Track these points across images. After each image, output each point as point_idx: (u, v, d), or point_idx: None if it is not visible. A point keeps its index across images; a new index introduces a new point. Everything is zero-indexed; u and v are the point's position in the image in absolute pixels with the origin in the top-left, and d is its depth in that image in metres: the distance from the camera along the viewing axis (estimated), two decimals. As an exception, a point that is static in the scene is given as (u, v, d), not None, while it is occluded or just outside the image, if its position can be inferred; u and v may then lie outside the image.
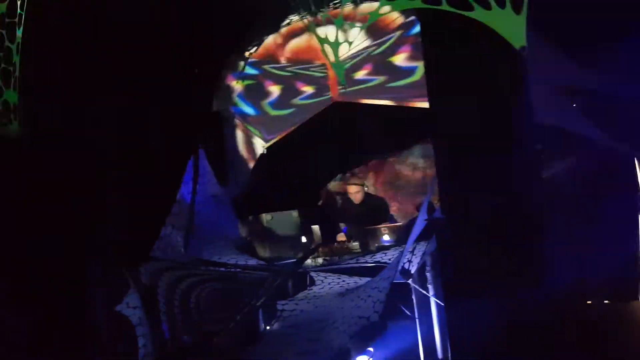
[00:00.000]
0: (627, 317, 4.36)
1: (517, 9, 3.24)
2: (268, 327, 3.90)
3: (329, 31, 3.62)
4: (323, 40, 3.43)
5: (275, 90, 5.59)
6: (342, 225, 5.37)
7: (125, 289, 3.91)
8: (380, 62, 5.33)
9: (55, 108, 4.19)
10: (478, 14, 3.23)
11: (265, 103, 5.65)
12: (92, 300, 3.94)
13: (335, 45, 3.30)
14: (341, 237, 5.22)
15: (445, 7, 3.22)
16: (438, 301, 4.20)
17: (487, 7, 3.23)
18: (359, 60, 5.16)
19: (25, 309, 3.69)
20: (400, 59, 5.18)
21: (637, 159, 4.99)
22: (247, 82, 5.59)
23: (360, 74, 5.39)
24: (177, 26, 5.07)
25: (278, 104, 5.62)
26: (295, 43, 5.22)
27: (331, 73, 5.25)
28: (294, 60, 5.32)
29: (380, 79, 5.33)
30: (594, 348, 3.35)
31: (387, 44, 5.15)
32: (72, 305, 3.89)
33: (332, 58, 3.27)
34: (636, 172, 4.94)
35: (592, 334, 3.49)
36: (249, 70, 5.54)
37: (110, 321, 3.88)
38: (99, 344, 3.83)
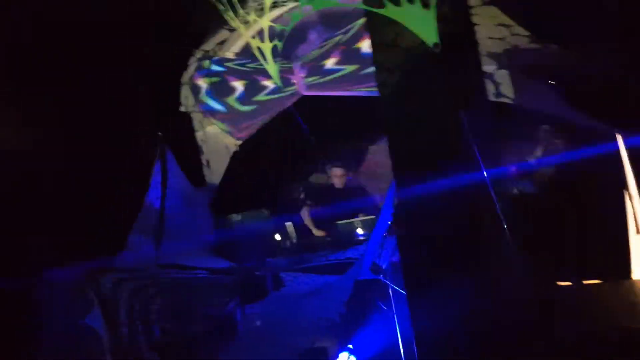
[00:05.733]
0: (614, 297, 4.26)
1: (425, 4, 3.09)
2: (233, 332, 3.83)
3: (258, 32, 3.51)
4: (253, 42, 3.32)
5: (239, 86, 5.48)
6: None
7: (89, 301, 3.86)
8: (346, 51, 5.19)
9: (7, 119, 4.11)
10: (389, 11, 3.09)
11: (232, 99, 5.54)
12: (50, 311, 3.89)
13: (266, 47, 3.19)
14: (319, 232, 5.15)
15: (359, 5, 3.09)
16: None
17: (397, 3, 3.09)
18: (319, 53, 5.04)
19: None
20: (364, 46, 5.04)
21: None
22: (212, 78, 5.48)
23: (328, 64, 5.26)
24: (138, 25, 4.94)
25: (244, 99, 5.51)
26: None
27: (295, 67, 5.12)
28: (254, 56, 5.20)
29: (347, 68, 5.20)
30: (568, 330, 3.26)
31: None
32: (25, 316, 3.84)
33: (265, 59, 3.16)
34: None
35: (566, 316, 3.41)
36: (214, 67, 5.42)
37: (75, 334, 3.84)
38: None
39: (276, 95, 5.23)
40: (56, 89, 4.38)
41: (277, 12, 4.00)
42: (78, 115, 4.51)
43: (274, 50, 3.26)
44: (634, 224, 4.91)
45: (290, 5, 3.38)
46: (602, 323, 3.53)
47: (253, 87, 5.30)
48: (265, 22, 3.19)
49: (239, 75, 5.31)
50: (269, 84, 5.20)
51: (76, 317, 3.77)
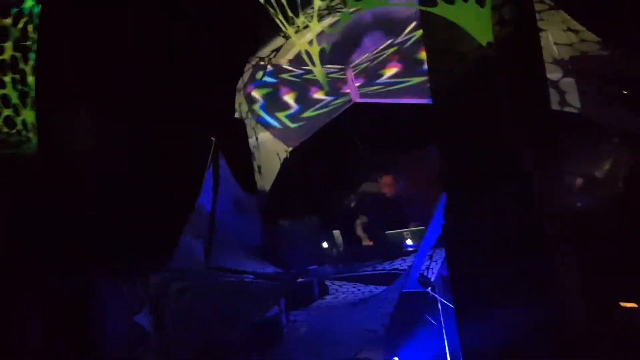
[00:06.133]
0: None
1: (481, 2, 2.96)
2: (276, 339, 3.80)
3: (307, 36, 3.50)
4: (301, 45, 3.33)
5: (291, 100, 5.53)
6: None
7: (141, 299, 3.97)
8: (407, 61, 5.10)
9: (72, 124, 4.34)
10: (441, 9, 2.98)
11: (283, 115, 5.61)
12: (106, 310, 4.04)
13: (314, 50, 3.18)
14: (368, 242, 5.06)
15: (410, 4, 3.00)
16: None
17: (451, 1, 2.97)
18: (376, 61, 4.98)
19: (36, 324, 3.83)
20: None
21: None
22: (265, 90, 5.56)
23: (387, 74, 5.19)
24: (193, 35, 5.10)
25: (295, 117, 5.56)
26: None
27: (349, 74, 5.09)
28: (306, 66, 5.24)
29: (411, 80, 5.10)
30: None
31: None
32: (80, 315, 4.00)
33: (313, 63, 3.16)
34: None
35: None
36: (268, 79, 5.50)
37: (128, 330, 3.96)
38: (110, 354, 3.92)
39: (327, 109, 5.24)
40: (116, 90, 4.58)
41: (332, 19, 3.99)
42: (135, 117, 4.69)
43: (322, 54, 3.26)
44: None
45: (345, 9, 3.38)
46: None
47: (305, 101, 5.35)
48: (314, 25, 3.19)
49: (291, 87, 5.36)
50: (320, 96, 5.22)
51: (127, 316, 3.88)
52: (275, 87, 5.50)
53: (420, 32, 4.70)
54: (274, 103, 5.58)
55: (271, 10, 3.31)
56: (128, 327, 3.79)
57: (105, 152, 4.44)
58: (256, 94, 5.57)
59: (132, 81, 4.70)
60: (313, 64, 3.26)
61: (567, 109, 4.86)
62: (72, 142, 4.33)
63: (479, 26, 2.99)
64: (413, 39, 4.91)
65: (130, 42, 4.70)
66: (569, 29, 4.68)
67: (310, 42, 3.27)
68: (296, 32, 3.40)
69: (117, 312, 3.94)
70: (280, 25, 3.33)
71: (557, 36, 4.70)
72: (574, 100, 4.87)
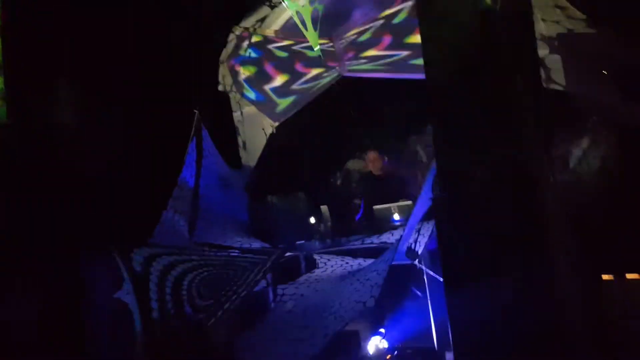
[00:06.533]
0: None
1: None
2: (264, 313, 3.77)
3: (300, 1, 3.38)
4: (292, 5, 3.18)
5: (278, 75, 5.41)
6: (359, 202, 5.20)
7: (122, 276, 3.86)
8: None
9: (43, 95, 4.14)
10: None
11: (269, 89, 5.49)
12: (89, 288, 3.92)
13: (306, 10, 3.05)
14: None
15: None
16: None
17: None
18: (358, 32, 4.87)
19: (19, 301, 3.70)
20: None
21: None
22: (250, 65, 5.42)
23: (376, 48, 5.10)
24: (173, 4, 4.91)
25: (281, 90, 5.44)
26: (291, 15, 4.97)
27: (337, 47, 4.99)
28: (294, 36, 5.09)
29: (399, 54, 5.01)
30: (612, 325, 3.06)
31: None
32: (69, 295, 3.88)
33: (305, 26, 3.03)
34: None
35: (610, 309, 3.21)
36: (252, 54, 5.35)
37: (109, 308, 3.86)
38: (98, 333, 3.82)
39: (315, 83, 5.13)
40: (91, 61, 4.38)
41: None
42: (112, 89, 4.51)
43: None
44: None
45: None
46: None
47: (291, 75, 5.23)
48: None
49: (277, 61, 5.23)
50: (307, 69, 5.10)
51: (110, 292, 3.78)
52: (261, 61, 5.37)
53: (410, 4, 4.63)
54: (259, 77, 5.45)
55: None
56: (112, 304, 3.69)
57: (82, 125, 4.26)
58: (241, 69, 5.44)
59: (108, 51, 4.51)
60: (305, 26, 3.12)
61: (552, 86, 4.87)
62: (46, 114, 4.13)
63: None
64: (403, 12, 4.83)
65: (107, 11, 4.49)
66: (557, 6, 4.67)
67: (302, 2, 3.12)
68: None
69: (101, 291, 3.84)
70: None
71: (544, 13, 4.69)
72: (559, 77, 4.89)
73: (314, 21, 3.08)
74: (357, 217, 5.16)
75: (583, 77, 4.86)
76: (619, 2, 4.21)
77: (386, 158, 5.44)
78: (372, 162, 5.40)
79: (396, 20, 4.88)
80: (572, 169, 5.44)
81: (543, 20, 4.73)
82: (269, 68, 5.42)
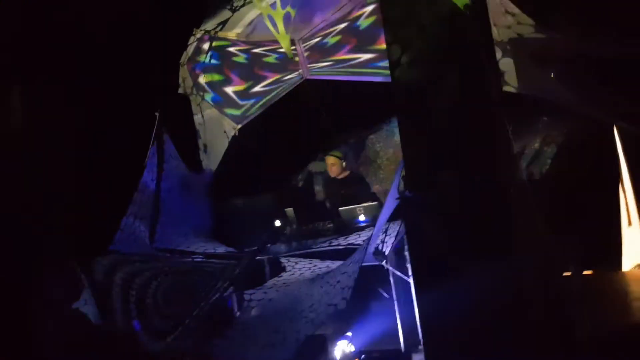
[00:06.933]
0: (607, 287, 4.26)
1: None
2: (234, 319, 3.71)
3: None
4: (264, 9, 3.17)
5: (239, 82, 5.36)
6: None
7: (82, 285, 3.70)
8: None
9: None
10: None
11: (231, 91, 5.42)
12: (46, 298, 3.74)
13: (278, 14, 3.04)
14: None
15: None
16: (409, 281, 4.01)
17: None
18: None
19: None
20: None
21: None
22: (211, 75, 5.34)
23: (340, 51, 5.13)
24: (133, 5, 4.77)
25: (243, 94, 5.39)
26: (252, 19, 4.94)
27: (299, 49, 4.98)
28: (255, 40, 5.05)
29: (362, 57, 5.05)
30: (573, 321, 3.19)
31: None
32: (23, 303, 3.68)
33: (277, 29, 3.02)
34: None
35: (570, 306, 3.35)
36: (212, 60, 5.27)
37: (67, 319, 3.68)
38: (52, 343, 3.64)
39: (278, 85, 5.10)
40: (46, 63, 4.19)
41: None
42: (69, 91, 4.33)
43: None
44: (626, 216, 4.94)
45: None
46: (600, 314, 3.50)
47: (254, 78, 5.18)
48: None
49: (239, 65, 5.17)
50: (270, 72, 5.08)
51: (67, 303, 3.61)
52: (222, 68, 5.29)
53: (371, 7, 4.69)
54: (221, 83, 5.37)
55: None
56: (69, 315, 3.52)
57: (38, 129, 4.06)
58: (202, 75, 5.34)
59: (65, 52, 4.32)
60: (277, 29, 3.10)
61: (506, 88, 5.06)
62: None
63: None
64: (366, 14, 4.88)
65: (65, 12, 4.31)
66: (507, 12, 4.86)
67: (274, 5, 3.11)
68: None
69: (57, 301, 3.65)
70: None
71: (496, 18, 4.86)
72: (512, 79, 5.09)
73: (286, 24, 3.07)
74: (322, 219, 5.17)
75: (534, 79, 5.08)
76: (565, 8, 4.43)
77: (344, 163, 5.48)
78: (331, 166, 5.43)
79: (362, 26, 4.94)
80: (525, 168, 5.68)
81: (495, 25, 4.90)
82: (230, 74, 5.36)
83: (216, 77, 5.35)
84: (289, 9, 3.40)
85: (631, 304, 3.85)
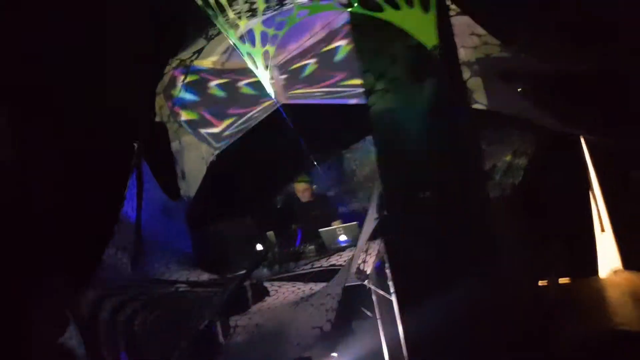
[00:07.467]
0: (585, 294, 4.41)
1: (425, 7, 3.15)
2: (221, 346, 3.72)
3: (249, 37, 3.48)
4: (242, 47, 3.29)
5: (215, 120, 5.43)
6: (295, 228, 5.26)
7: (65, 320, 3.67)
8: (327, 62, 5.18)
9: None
10: (387, 14, 3.14)
11: (205, 133, 5.48)
12: (34, 332, 3.67)
13: (257, 52, 3.16)
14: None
15: (356, 9, 3.12)
16: (391, 299, 4.09)
17: (397, 6, 3.14)
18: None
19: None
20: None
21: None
22: (187, 113, 5.42)
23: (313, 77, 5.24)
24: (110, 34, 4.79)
25: (218, 136, 5.46)
26: (227, 46, 5.03)
27: (275, 76, 5.08)
28: (232, 68, 5.14)
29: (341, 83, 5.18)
30: (553, 329, 3.31)
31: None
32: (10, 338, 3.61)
33: (256, 65, 3.14)
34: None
35: (549, 313, 3.46)
36: (187, 95, 5.34)
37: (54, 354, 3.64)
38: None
39: (254, 110, 5.16)
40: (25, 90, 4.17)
41: (268, 14, 3.96)
42: (48, 122, 4.32)
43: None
44: (598, 223, 5.13)
45: (285, 7, 3.38)
46: (579, 321, 3.63)
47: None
48: (258, 27, 3.15)
49: (213, 110, 5.24)
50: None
51: (53, 337, 3.57)
52: (196, 106, 5.37)
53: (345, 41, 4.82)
54: (196, 122, 5.44)
55: (210, 11, 3.21)
56: (55, 350, 3.48)
57: (17, 161, 4.02)
58: (180, 110, 5.41)
59: (42, 80, 4.31)
60: (256, 66, 3.21)
61: (476, 105, 5.25)
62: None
63: (424, 30, 3.14)
64: (343, 48, 5.02)
65: (41, 36, 4.30)
66: (473, 33, 5.06)
67: (253, 43, 3.23)
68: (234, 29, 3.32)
69: (43, 335, 3.61)
70: (219, 26, 3.25)
71: (463, 40, 5.07)
72: (481, 97, 5.28)
73: (265, 61, 3.19)
74: (297, 243, 5.22)
75: (502, 96, 5.29)
76: (528, 28, 4.64)
77: (314, 186, 5.56)
78: (301, 192, 5.50)
79: (337, 58, 5.09)
80: (498, 182, 5.86)
81: (463, 47, 5.11)
82: (206, 116, 5.45)
83: (192, 115, 5.43)
84: (268, 47, 3.53)
85: (609, 310, 3.99)
